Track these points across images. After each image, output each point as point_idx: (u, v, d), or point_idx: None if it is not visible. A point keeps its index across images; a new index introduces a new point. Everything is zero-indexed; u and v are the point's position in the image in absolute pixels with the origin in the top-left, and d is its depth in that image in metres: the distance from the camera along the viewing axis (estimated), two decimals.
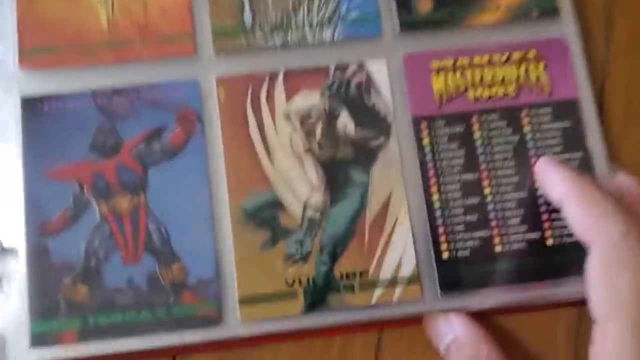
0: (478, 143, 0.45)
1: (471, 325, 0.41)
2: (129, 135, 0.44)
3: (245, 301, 0.42)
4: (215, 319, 0.41)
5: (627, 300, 0.35)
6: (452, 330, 0.41)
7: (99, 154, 0.44)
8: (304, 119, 0.45)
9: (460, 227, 0.43)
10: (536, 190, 0.44)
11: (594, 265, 0.36)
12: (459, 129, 0.45)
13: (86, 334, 0.41)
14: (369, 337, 0.44)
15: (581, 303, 0.42)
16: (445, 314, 0.42)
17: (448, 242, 0.43)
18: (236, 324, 0.42)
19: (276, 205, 0.43)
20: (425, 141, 0.45)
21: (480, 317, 0.42)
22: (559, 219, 0.44)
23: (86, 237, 0.42)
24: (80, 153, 0.44)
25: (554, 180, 0.40)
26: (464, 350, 0.40)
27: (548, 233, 0.44)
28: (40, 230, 0.42)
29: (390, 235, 0.43)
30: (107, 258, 0.42)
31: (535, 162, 0.43)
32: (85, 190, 0.43)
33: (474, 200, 0.44)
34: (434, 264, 0.43)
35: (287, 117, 0.45)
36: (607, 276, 0.35)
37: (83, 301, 0.41)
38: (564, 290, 0.43)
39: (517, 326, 0.44)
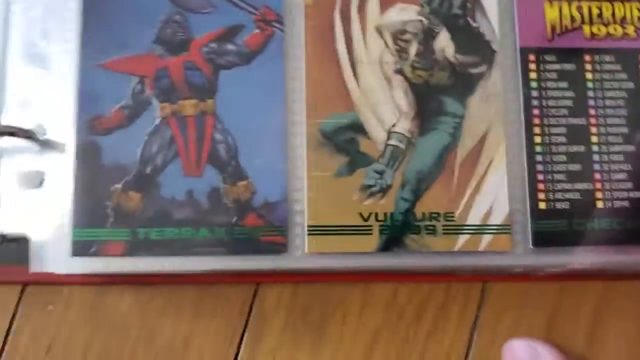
0: (589, 85, 0.40)
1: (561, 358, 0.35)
2: (201, 31, 0.39)
3: (315, 231, 0.37)
4: (280, 247, 0.37)
5: None
6: None
7: (165, 49, 0.38)
8: (398, 35, 0.40)
9: (562, 177, 0.39)
10: None
11: None
12: (570, 66, 0.40)
13: (135, 248, 0.36)
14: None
15: None
16: (529, 340, 0.36)
17: (547, 191, 0.38)
18: (302, 254, 0.37)
19: (357, 128, 0.38)
20: (533, 75, 0.39)
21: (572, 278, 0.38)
22: None
23: (143, 140, 0.37)
24: (144, 45, 0.38)
25: None
26: None
27: None
28: (92, 125, 0.37)
29: (483, 176, 0.38)
30: (166, 166, 0.37)
31: None
32: (146, 87, 0.38)
33: (579, 148, 0.39)
34: (529, 214, 0.38)
35: (379, 31, 0.39)
36: None
37: (134, 211, 0.37)
38: None
39: (612, 295, 0.40)
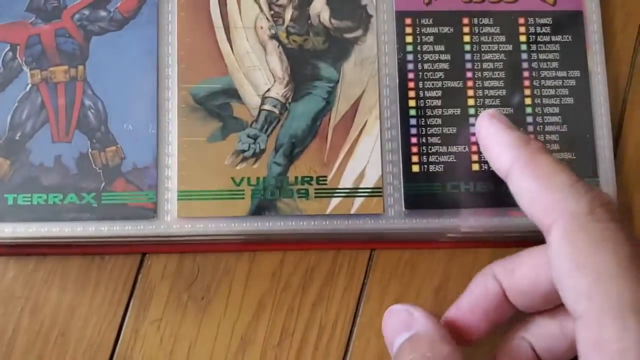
0: (467, 48, 0.39)
1: (435, 323, 0.33)
2: None
3: (185, 196, 0.37)
4: (149, 212, 0.37)
5: (617, 283, 0.27)
6: (412, 326, 0.34)
7: (38, 16, 0.38)
8: (273, 0, 0.39)
9: (436, 140, 0.38)
10: (525, 107, 0.39)
11: (562, 250, 0.29)
12: (447, 30, 0.40)
13: (3, 214, 0.36)
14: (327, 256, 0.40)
15: None
16: (407, 306, 0.35)
17: (420, 154, 0.38)
18: (172, 219, 0.37)
19: (231, 93, 0.38)
20: (408, 39, 0.39)
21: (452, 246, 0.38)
22: (547, 142, 0.39)
23: (14, 107, 0.37)
24: (16, 13, 0.38)
25: (498, 145, 0.33)
26: (420, 348, 0.32)
27: None
28: None
29: (356, 140, 0.38)
30: (35, 132, 0.37)
31: (477, 119, 0.35)
32: (17, 55, 0.38)
33: (455, 111, 0.39)
34: (401, 177, 0.38)
35: None
36: (584, 260, 0.28)
37: (2, 177, 0.37)
38: None
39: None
